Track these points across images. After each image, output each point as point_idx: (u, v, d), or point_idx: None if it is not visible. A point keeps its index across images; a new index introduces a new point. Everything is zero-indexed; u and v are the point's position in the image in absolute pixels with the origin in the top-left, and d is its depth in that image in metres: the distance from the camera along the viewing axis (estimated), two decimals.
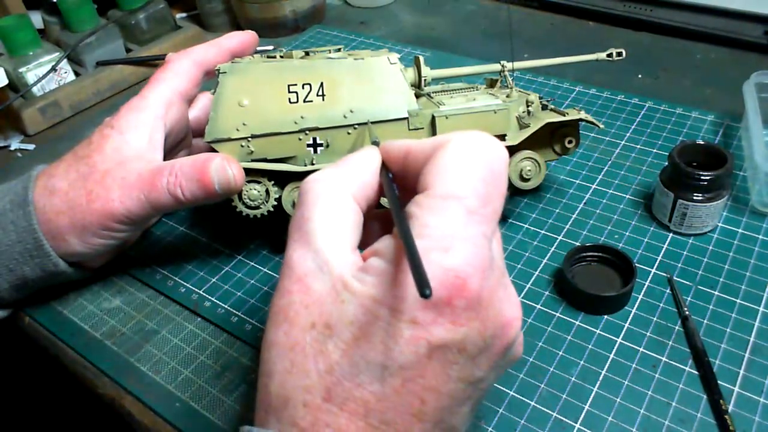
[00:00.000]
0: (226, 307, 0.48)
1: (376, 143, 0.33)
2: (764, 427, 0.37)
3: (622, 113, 0.64)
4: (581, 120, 0.48)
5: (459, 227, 0.25)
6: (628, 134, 0.61)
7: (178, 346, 0.46)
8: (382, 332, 0.24)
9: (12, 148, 0.70)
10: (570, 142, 0.49)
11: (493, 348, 0.26)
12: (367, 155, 0.31)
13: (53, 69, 0.72)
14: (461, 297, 0.24)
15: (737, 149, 0.58)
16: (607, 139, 0.60)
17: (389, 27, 0.86)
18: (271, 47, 0.83)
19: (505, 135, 0.47)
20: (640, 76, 0.70)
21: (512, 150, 0.47)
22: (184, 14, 0.94)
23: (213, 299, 0.49)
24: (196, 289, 0.50)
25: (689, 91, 0.66)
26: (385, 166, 0.31)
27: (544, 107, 0.50)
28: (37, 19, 0.81)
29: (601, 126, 0.50)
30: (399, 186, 0.30)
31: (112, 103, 0.76)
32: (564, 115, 0.48)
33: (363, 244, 0.30)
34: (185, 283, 0.51)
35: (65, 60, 0.74)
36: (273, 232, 0.54)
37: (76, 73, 0.76)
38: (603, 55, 0.51)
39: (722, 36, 0.73)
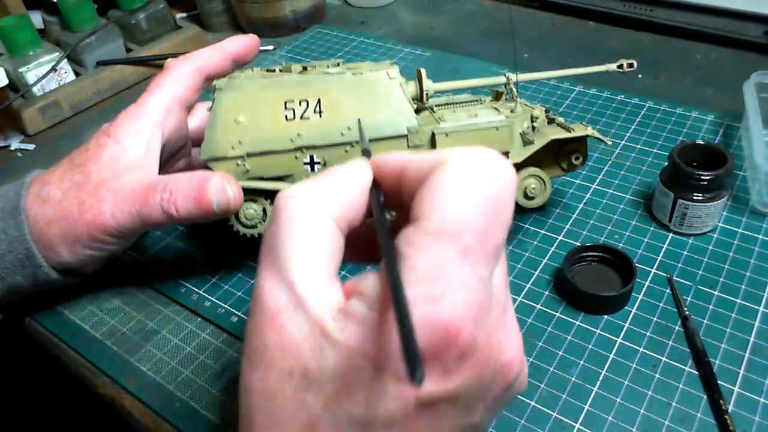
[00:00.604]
0: (226, 307, 0.48)
1: (366, 152, 0.30)
2: (764, 427, 0.37)
3: (622, 113, 0.64)
4: (588, 136, 0.47)
5: (452, 271, 0.22)
6: (628, 134, 0.61)
7: (178, 346, 0.46)
8: (365, 387, 0.22)
9: (12, 148, 0.70)
10: (577, 158, 0.47)
11: (491, 392, 0.25)
12: (355, 170, 0.28)
13: (53, 69, 0.72)
14: (452, 350, 0.22)
15: (737, 149, 0.58)
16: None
17: (389, 27, 0.86)
18: (271, 47, 0.83)
19: (507, 152, 0.45)
20: (640, 76, 0.70)
21: (516, 167, 0.44)
22: (184, 14, 0.94)
23: (213, 299, 0.49)
24: (196, 289, 0.50)
25: (689, 91, 0.66)
26: (376, 185, 0.28)
27: (550, 121, 0.48)
28: (37, 19, 0.81)
29: (608, 142, 0.48)
30: (394, 202, 0.28)
31: (112, 103, 0.77)
32: (570, 131, 0.46)
33: (355, 256, 0.29)
34: (185, 283, 0.51)
35: (65, 60, 0.74)
36: None
37: (76, 73, 0.76)
38: (613, 67, 0.49)
39: (722, 36, 0.73)
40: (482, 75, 0.72)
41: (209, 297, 0.49)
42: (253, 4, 0.83)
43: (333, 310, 0.24)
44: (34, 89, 0.72)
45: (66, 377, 0.47)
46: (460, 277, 0.22)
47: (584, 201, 0.54)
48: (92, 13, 0.77)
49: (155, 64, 0.81)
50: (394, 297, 0.21)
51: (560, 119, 0.49)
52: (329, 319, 0.24)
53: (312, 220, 0.26)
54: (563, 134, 0.46)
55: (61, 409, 0.72)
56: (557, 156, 0.48)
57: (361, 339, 0.23)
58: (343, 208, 0.27)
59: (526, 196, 0.47)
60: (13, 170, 0.66)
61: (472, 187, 0.24)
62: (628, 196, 0.54)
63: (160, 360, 0.45)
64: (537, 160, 0.46)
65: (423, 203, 0.24)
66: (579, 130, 0.46)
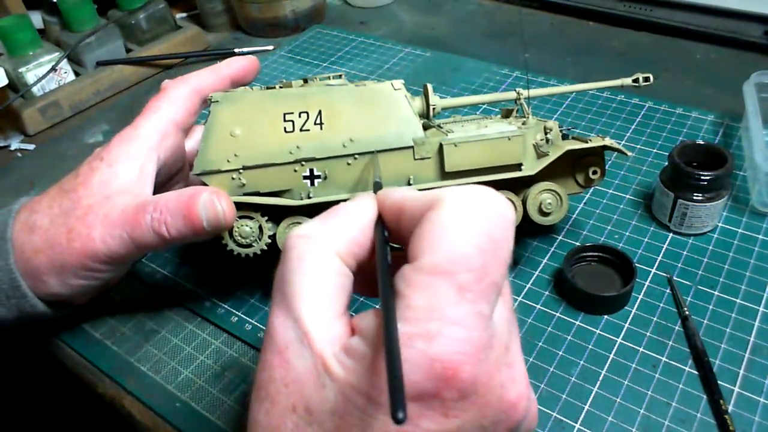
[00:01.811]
0: (226, 307, 0.48)
1: (378, 184, 0.31)
2: (764, 427, 0.37)
3: (622, 113, 0.64)
4: (606, 148, 0.45)
5: (449, 309, 0.22)
6: (628, 134, 0.61)
7: (178, 346, 0.46)
8: (363, 424, 0.23)
9: (12, 148, 0.70)
10: (595, 172, 0.46)
11: None
12: (361, 207, 0.29)
13: (53, 69, 0.72)
14: (451, 388, 0.22)
15: (737, 149, 0.58)
16: (608, 137, 0.60)
17: (389, 27, 0.86)
18: (271, 47, 0.83)
19: (520, 164, 0.43)
20: None
21: (530, 181, 0.44)
22: (184, 14, 0.94)
23: (213, 299, 0.49)
24: (197, 289, 0.50)
25: (689, 91, 0.66)
26: (381, 221, 0.28)
27: (565, 137, 0.47)
28: (37, 19, 0.81)
29: (630, 154, 0.46)
30: (396, 240, 0.28)
31: (112, 103, 0.76)
32: (586, 143, 0.44)
33: (366, 291, 0.30)
34: (185, 284, 0.51)
35: (65, 60, 0.74)
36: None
37: (76, 73, 0.76)
38: (629, 81, 0.47)
39: (722, 36, 0.73)
40: (482, 75, 0.72)
41: (209, 297, 0.49)
42: (253, 4, 0.83)
43: (337, 346, 0.25)
44: (34, 89, 0.72)
45: (65, 377, 0.47)
46: (457, 314, 0.22)
47: (584, 201, 0.54)
48: (92, 13, 0.77)
49: (155, 64, 0.81)
50: (385, 335, 0.21)
51: (575, 134, 0.47)
52: (331, 355, 0.24)
53: (319, 259, 0.26)
54: (579, 145, 0.44)
55: (61, 409, 0.72)
56: (573, 170, 0.46)
57: (359, 376, 0.23)
58: (349, 245, 0.27)
59: (542, 212, 0.45)
60: (13, 170, 0.66)
61: (468, 225, 0.24)
62: (628, 196, 0.54)
63: (160, 360, 0.45)
64: (552, 174, 0.44)
65: (420, 242, 0.24)
66: (596, 142, 0.44)
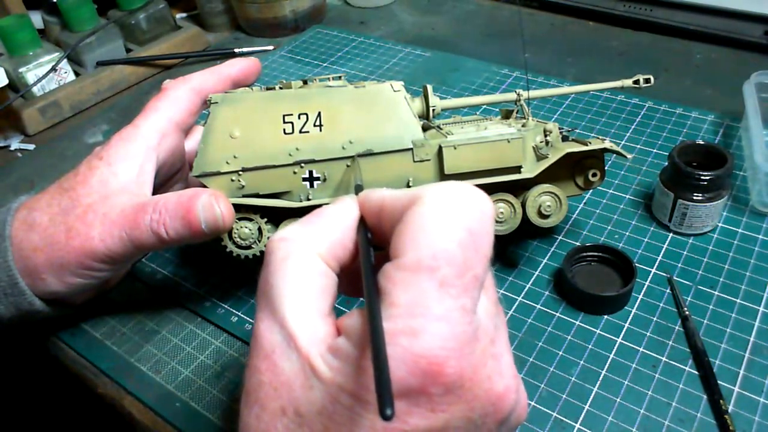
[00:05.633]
0: (226, 307, 0.48)
1: (359, 187, 0.31)
2: (764, 427, 0.37)
3: (622, 113, 0.64)
4: (606, 150, 0.45)
5: (431, 304, 0.23)
6: (628, 134, 0.61)
7: (178, 346, 0.46)
8: (352, 424, 0.23)
9: (12, 148, 0.70)
10: (594, 174, 0.45)
11: (484, 426, 0.24)
12: (342, 209, 0.29)
13: (53, 69, 0.72)
14: (437, 384, 0.22)
15: (737, 149, 0.58)
16: (608, 139, 0.60)
17: (389, 27, 0.86)
18: (271, 47, 0.83)
19: (520, 167, 0.43)
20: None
21: (530, 183, 0.44)
22: (184, 14, 0.94)
23: (213, 299, 0.49)
24: (197, 289, 0.50)
25: (689, 91, 0.66)
26: (363, 223, 0.28)
27: (565, 138, 0.47)
28: (37, 19, 0.81)
29: (629, 156, 0.45)
30: (378, 241, 0.28)
31: (112, 103, 0.76)
32: (586, 145, 0.44)
33: (352, 291, 0.30)
34: (185, 284, 0.51)
35: (65, 60, 0.74)
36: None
37: (76, 73, 0.76)
38: (629, 83, 0.47)
39: (722, 36, 0.73)
40: (482, 75, 0.72)
41: (209, 297, 0.49)
42: (253, 4, 0.83)
43: (323, 346, 0.25)
44: (34, 89, 0.72)
45: (65, 377, 0.47)
46: (440, 309, 0.23)
47: (584, 201, 0.54)
48: (92, 13, 0.77)
49: (155, 64, 0.81)
50: (370, 333, 0.21)
51: (574, 136, 0.46)
52: (317, 355, 0.24)
53: (301, 261, 0.27)
54: (579, 148, 0.44)
55: (61, 409, 0.72)
56: (573, 173, 0.46)
57: (345, 376, 0.23)
58: (331, 247, 0.27)
59: (541, 215, 0.44)
60: (13, 170, 0.66)
61: (448, 220, 0.24)
62: (628, 196, 0.54)
63: (160, 360, 0.45)
64: (552, 176, 0.44)
65: (401, 239, 0.24)
66: (596, 144, 0.44)
